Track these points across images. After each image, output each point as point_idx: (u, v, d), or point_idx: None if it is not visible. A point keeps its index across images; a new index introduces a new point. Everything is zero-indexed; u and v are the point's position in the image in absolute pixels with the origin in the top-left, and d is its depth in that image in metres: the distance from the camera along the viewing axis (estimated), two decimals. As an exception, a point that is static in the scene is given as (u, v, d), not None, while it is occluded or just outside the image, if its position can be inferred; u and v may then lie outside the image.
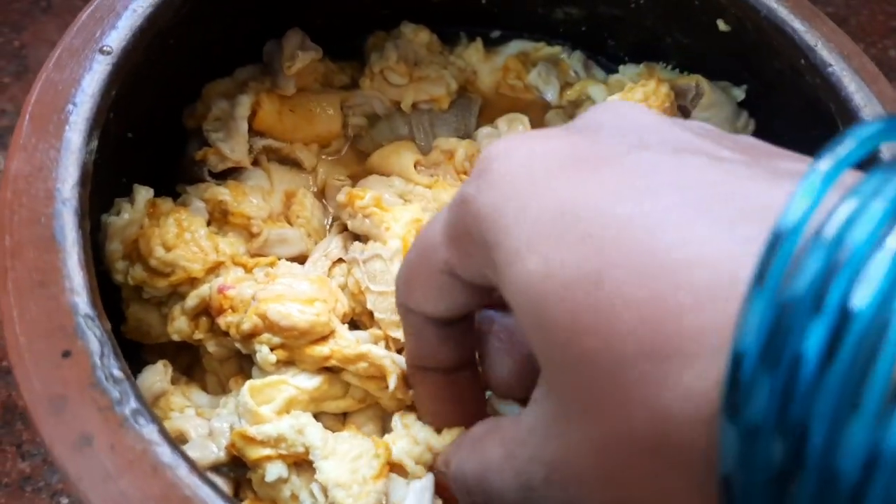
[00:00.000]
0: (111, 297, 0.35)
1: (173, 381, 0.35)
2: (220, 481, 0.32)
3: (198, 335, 0.34)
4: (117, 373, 0.23)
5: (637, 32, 0.41)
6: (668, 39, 0.40)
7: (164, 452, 0.22)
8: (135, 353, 0.35)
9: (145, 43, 0.30)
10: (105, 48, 0.29)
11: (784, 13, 0.33)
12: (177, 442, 0.32)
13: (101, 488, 0.22)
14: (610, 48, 0.43)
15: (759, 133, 0.39)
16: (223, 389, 0.35)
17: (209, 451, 0.32)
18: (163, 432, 0.23)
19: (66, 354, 0.23)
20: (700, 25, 0.37)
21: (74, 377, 0.23)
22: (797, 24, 0.32)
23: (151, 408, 0.33)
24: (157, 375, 0.34)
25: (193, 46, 0.35)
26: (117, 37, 0.29)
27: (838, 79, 0.31)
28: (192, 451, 0.31)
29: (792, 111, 0.36)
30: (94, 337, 0.24)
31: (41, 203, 0.25)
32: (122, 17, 0.30)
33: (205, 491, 0.22)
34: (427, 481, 0.31)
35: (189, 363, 0.36)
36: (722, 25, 0.36)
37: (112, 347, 0.24)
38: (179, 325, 0.34)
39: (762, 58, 0.35)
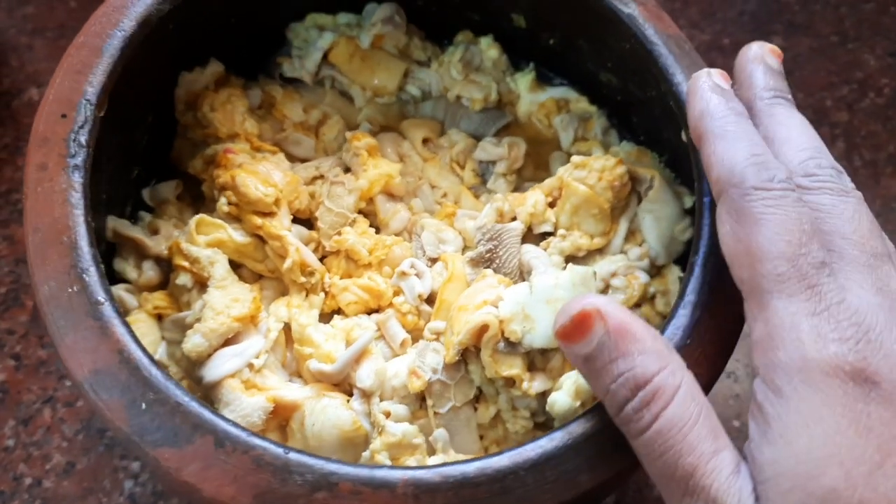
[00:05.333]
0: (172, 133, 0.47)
1: (179, 198, 0.47)
2: (155, 268, 0.43)
3: (203, 176, 0.46)
4: (83, 140, 0.36)
5: (649, 119, 0.46)
6: (665, 134, 0.45)
7: (75, 195, 0.34)
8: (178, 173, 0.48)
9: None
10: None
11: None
12: (150, 228, 0.44)
13: (36, 197, 0.34)
14: (633, 124, 0.48)
15: (688, 243, 0.43)
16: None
17: (160, 245, 0.43)
18: (84, 185, 0.35)
19: (63, 116, 0.36)
20: (678, 132, 0.42)
21: (59, 131, 0.36)
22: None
23: (156, 209, 0.46)
24: (168, 189, 0.47)
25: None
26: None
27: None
28: (154, 241, 0.43)
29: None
30: (83, 113, 0.36)
31: (108, 24, 0.38)
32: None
33: (81, 230, 0.34)
34: (268, 342, 0.41)
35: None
36: (684, 136, 0.41)
37: (91, 125, 0.36)
38: (195, 164, 0.46)
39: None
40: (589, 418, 0.32)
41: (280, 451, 0.30)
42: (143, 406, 0.31)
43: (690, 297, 0.34)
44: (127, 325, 0.32)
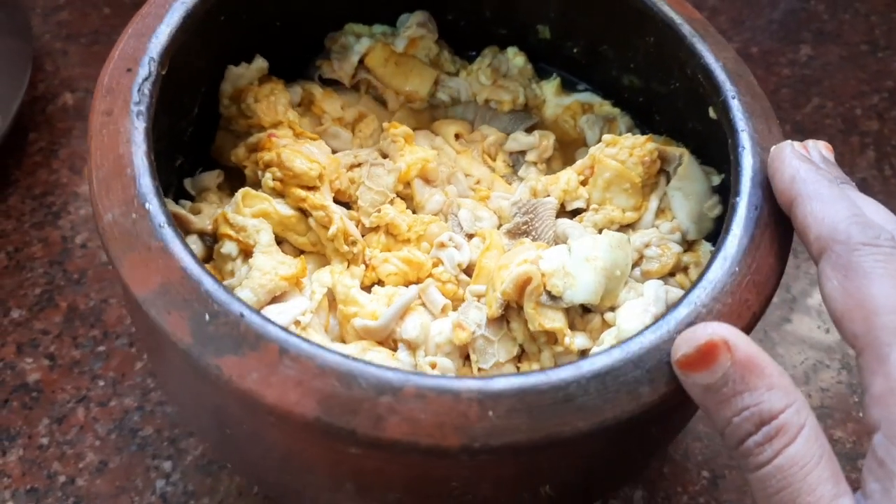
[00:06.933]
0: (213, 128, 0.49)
1: (219, 187, 0.48)
2: (199, 242, 0.44)
3: (245, 163, 0.48)
4: (147, 90, 0.37)
5: (672, 112, 0.49)
6: (689, 125, 0.47)
7: (138, 136, 0.35)
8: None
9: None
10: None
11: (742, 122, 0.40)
12: (192, 211, 0.45)
13: (101, 139, 0.36)
14: (656, 122, 0.51)
15: (721, 219, 0.44)
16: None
17: (205, 222, 0.44)
18: (147, 129, 0.36)
19: (129, 70, 0.38)
20: (704, 113, 0.44)
21: (125, 83, 0.37)
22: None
23: (197, 197, 0.47)
24: (211, 177, 0.48)
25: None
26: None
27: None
28: (197, 218, 0.44)
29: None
30: (147, 68, 0.38)
31: (158, 11, 0.40)
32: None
33: (144, 164, 0.35)
34: (313, 304, 0.41)
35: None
36: (712, 113, 0.43)
37: (155, 78, 0.38)
38: (238, 152, 0.48)
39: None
40: (644, 336, 0.33)
41: (343, 358, 0.30)
42: (207, 318, 0.31)
43: (736, 229, 0.35)
44: (187, 246, 0.33)
